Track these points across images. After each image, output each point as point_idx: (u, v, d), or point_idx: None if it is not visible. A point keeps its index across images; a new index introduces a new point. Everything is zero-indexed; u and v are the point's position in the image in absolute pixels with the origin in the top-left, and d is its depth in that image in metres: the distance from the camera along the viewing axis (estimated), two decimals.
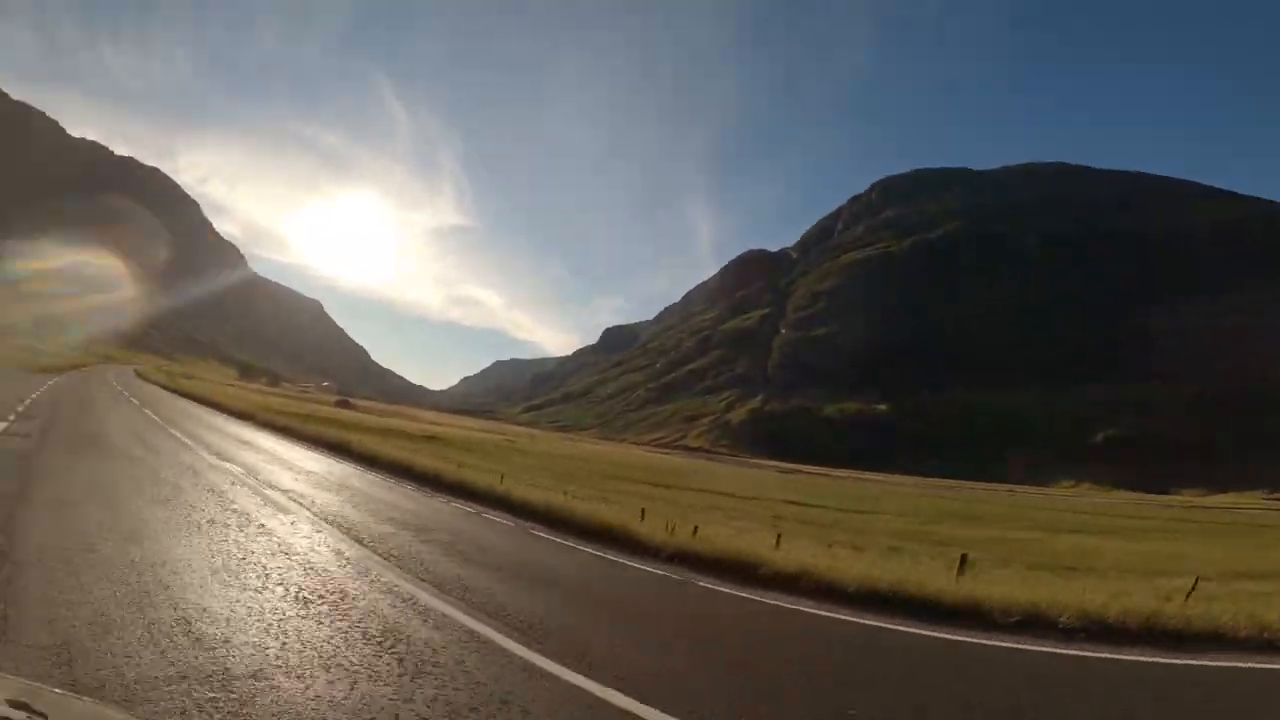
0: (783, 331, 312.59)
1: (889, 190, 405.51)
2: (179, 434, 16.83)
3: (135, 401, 26.61)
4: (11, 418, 14.16)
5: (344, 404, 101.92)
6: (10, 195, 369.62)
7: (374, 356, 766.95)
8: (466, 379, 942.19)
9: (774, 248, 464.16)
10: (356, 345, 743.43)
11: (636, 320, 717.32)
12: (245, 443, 17.92)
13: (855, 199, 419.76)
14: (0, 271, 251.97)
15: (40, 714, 0.86)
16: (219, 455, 14.00)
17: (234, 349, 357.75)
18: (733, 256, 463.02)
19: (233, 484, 9.88)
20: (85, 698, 1.66)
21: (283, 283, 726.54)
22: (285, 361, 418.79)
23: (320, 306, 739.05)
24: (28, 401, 19.39)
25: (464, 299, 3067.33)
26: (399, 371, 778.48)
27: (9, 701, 0.88)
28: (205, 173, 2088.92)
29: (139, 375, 73.56)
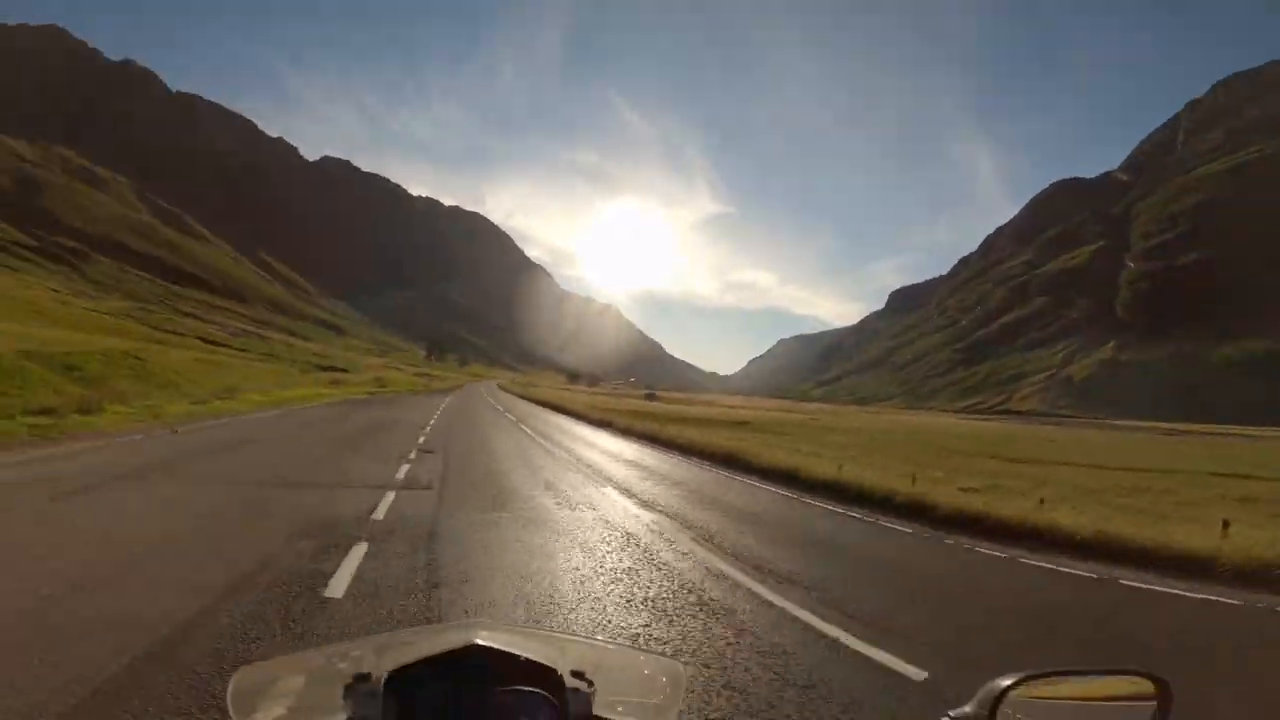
0: (1130, 265, 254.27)
1: (1238, 89, 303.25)
2: (562, 452, 18.20)
3: (511, 418, 32.43)
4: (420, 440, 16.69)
5: (651, 397, 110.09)
6: (386, 245, 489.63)
7: (668, 349, 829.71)
8: (753, 360, 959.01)
9: (1090, 174, 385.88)
10: (652, 341, 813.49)
11: (924, 278, 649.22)
12: (615, 456, 18.93)
13: (1194, 104, 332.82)
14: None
15: (591, 682, 0.93)
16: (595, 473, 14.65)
17: (559, 356, 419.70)
18: (1035, 192, 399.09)
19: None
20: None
21: (582, 294, 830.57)
22: (595, 362, 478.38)
23: (617, 310, 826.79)
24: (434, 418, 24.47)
25: (738, 283, 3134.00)
26: (691, 361, 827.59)
27: (572, 672, 0.95)
28: (509, 208, 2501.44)
29: (500, 388, 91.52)
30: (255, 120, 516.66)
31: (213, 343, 62.82)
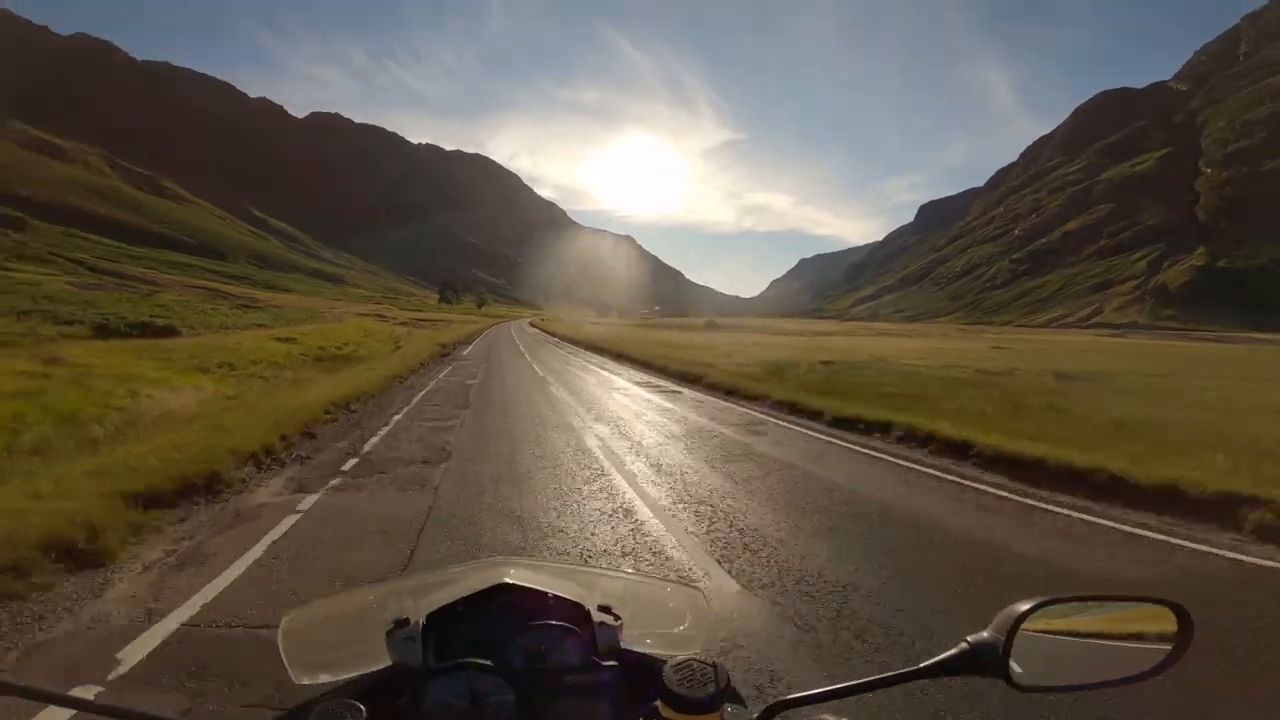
0: (1208, 171, 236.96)
1: None
2: None
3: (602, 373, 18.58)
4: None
5: (711, 325, 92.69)
6: (377, 196, 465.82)
7: (688, 277, 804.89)
8: (775, 282, 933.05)
9: (1138, 83, 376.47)
10: (672, 269, 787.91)
11: (948, 193, 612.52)
12: None
13: (1254, 16, 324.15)
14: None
15: (618, 616, 0.97)
16: None
17: (579, 291, 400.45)
18: (1074, 104, 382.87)
19: None
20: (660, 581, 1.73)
21: (597, 227, 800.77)
22: (617, 294, 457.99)
23: (633, 241, 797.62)
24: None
25: (754, 207, 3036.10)
26: (712, 286, 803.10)
27: (599, 606, 0.99)
28: (512, 150, 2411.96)
29: (530, 324, 74.80)
30: (234, 84, 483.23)
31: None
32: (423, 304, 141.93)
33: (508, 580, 1.01)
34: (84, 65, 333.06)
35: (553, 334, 52.57)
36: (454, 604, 0.98)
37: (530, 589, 1.00)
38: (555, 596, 1.00)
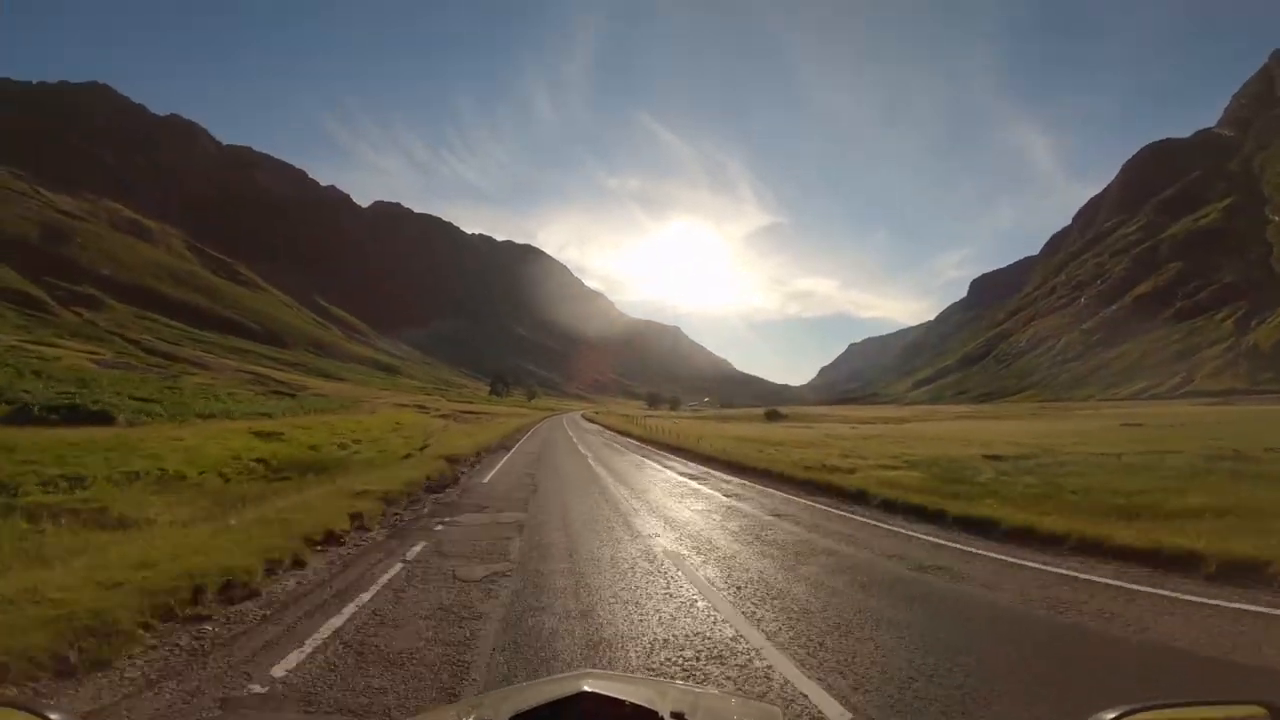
0: (1276, 219, 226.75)
1: None
2: None
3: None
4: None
5: (774, 415, 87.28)
6: (444, 283, 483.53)
7: (737, 366, 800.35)
8: (823, 369, 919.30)
9: (1182, 133, 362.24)
10: (720, 359, 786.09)
11: (998, 265, 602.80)
12: None
13: None
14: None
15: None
16: None
17: (629, 383, 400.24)
18: (1121, 162, 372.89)
19: None
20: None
21: (643, 318, 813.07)
22: (666, 385, 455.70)
23: (680, 330, 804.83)
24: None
25: (798, 293, 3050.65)
26: (760, 375, 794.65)
27: (672, 713, 1.03)
28: (561, 240, 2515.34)
29: (585, 418, 71.00)
30: (308, 171, 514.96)
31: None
32: (473, 395, 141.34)
33: (586, 688, 1.08)
34: (174, 145, 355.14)
35: (615, 429, 46.64)
36: (536, 709, 1.04)
37: (608, 696, 1.07)
38: (631, 705, 1.06)
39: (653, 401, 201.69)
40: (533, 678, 4.01)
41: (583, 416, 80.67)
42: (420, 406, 62.54)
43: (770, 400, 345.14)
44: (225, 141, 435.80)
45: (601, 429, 49.19)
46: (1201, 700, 0.79)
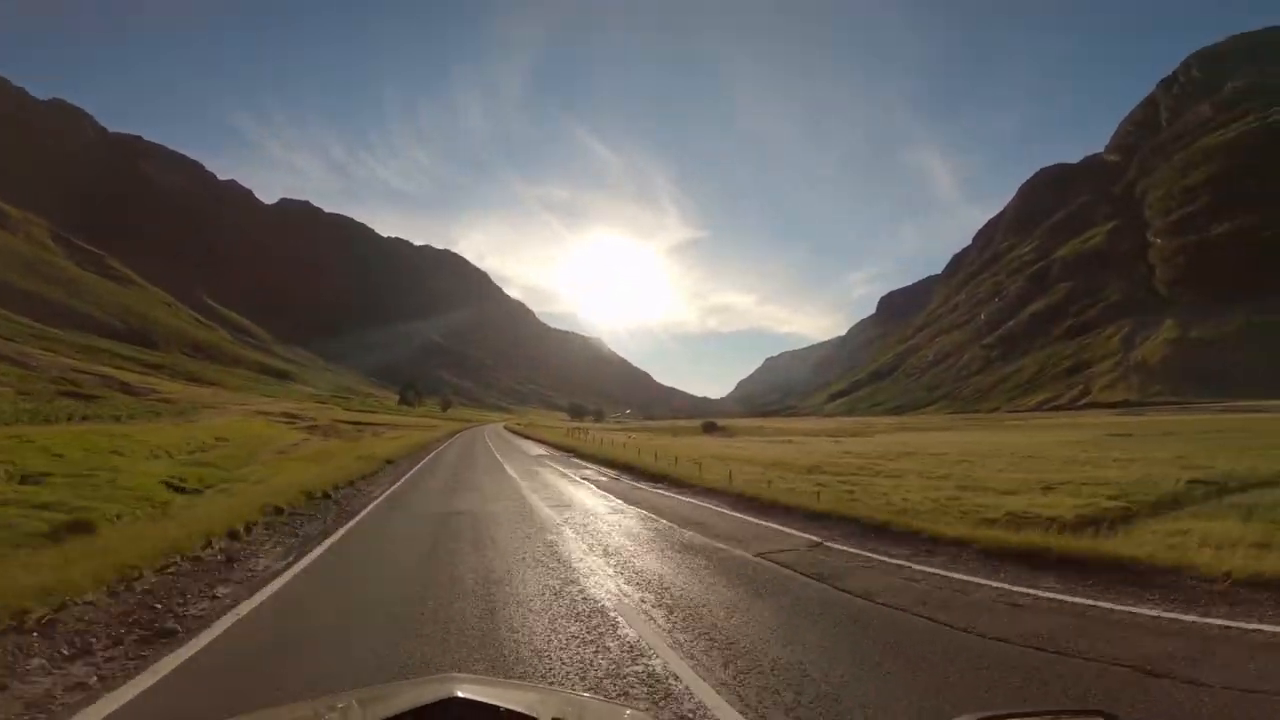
0: (1157, 241, 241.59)
1: (1212, 61, 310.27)
2: None
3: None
4: None
5: (710, 427, 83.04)
6: (343, 292, 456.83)
7: (657, 378, 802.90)
8: (742, 382, 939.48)
9: (1073, 158, 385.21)
10: (640, 371, 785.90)
11: (907, 282, 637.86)
12: None
13: (1167, 82, 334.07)
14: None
15: None
16: None
17: (549, 393, 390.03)
18: (1017, 184, 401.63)
19: None
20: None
21: (563, 329, 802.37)
22: (586, 397, 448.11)
23: (601, 343, 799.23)
24: None
25: (717, 307, 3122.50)
26: (679, 387, 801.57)
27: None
28: (481, 249, 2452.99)
29: (510, 430, 64.11)
30: (204, 164, 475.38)
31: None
32: (379, 405, 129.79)
33: (458, 694, 0.97)
34: (52, 132, 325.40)
35: (559, 446, 36.45)
36: (400, 716, 0.93)
37: (481, 702, 0.96)
38: (507, 711, 0.96)
39: (576, 413, 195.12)
40: None
41: (506, 428, 73.44)
42: (289, 416, 51.40)
43: (692, 413, 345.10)
44: (113, 130, 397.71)
45: (527, 443, 41.40)
46: (1045, 710, 0.84)
